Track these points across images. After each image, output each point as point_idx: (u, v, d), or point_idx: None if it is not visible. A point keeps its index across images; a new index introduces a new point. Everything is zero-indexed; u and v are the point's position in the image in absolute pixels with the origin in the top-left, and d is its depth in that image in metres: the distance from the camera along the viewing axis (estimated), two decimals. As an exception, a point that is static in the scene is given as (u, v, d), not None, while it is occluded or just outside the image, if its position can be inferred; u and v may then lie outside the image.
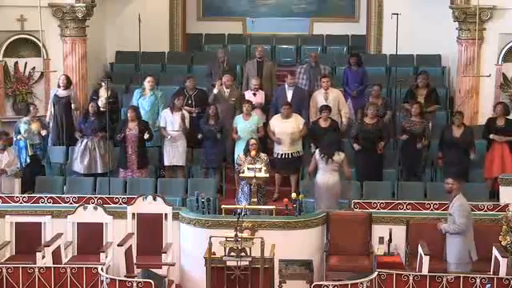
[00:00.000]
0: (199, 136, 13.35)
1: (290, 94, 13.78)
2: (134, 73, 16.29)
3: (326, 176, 12.00)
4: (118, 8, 16.90)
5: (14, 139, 13.52)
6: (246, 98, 13.81)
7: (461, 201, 10.32)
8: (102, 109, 13.65)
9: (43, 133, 13.62)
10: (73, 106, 14.08)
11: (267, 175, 11.73)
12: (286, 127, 13.12)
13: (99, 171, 13.25)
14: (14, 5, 14.50)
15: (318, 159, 12.06)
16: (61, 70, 14.67)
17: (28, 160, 13.41)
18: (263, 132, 13.35)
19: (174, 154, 13.31)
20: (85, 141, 13.31)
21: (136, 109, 13.38)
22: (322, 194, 11.99)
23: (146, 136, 13.08)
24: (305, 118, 13.50)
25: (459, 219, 10.21)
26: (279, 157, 13.17)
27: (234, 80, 14.42)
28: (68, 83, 14.14)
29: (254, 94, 13.95)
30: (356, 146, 12.91)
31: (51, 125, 13.98)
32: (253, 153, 11.98)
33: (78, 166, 13.30)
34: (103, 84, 14.16)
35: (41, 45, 14.45)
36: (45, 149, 13.75)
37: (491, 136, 13.10)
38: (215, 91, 13.85)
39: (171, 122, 13.33)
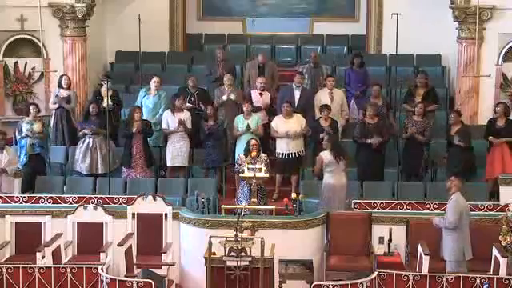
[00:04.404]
0: (206, 130, 13.23)
1: (297, 95, 13.78)
2: (134, 73, 16.29)
3: (338, 177, 11.93)
4: (118, 8, 16.89)
5: (18, 137, 13.45)
6: (252, 97, 13.79)
7: (457, 198, 10.32)
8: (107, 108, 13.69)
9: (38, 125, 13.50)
10: (68, 105, 13.98)
11: (267, 175, 11.70)
12: (289, 127, 13.09)
13: (100, 171, 13.22)
14: (14, 5, 14.51)
15: (327, 161, 11.93)
16: (61, 70, 14.67)
17: (25, 159, 13.29)
18: (261, 131, 13.33)
19: (177, 154, 13.30)
20: (86, 141, 13.29)
21: (141, 109, 13.43)
22: (335, 196, 11.88)
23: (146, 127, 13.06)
24: (311, 119, 13.47)
25: (451, 216, 10.22)
26: (281, 157, 13.13)
27: (234, 80, 14.42)
28: (70, 83, 14.18)
29: (261, 94, 13.93)
30: (374, 140, 12.79)
31: (51, 124, 13.97)
32: (253, 154, 11.96)
33: (80, 166, 13.29)
34: (104, 84, 14.15)
35: (41, 45, 14.46)
36: (46, 148, 13.65)
37: (490, 139, 13.07)
38: (224, 98, 13.83)
39: (172, 122, 13.33)
